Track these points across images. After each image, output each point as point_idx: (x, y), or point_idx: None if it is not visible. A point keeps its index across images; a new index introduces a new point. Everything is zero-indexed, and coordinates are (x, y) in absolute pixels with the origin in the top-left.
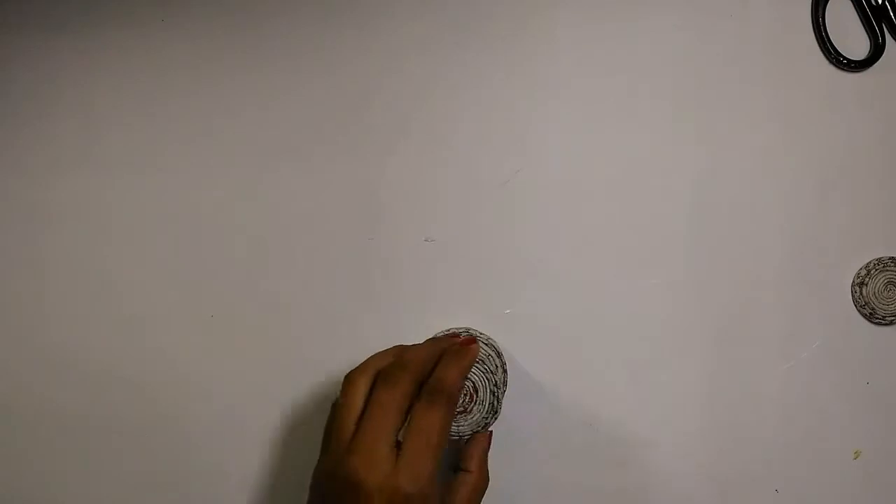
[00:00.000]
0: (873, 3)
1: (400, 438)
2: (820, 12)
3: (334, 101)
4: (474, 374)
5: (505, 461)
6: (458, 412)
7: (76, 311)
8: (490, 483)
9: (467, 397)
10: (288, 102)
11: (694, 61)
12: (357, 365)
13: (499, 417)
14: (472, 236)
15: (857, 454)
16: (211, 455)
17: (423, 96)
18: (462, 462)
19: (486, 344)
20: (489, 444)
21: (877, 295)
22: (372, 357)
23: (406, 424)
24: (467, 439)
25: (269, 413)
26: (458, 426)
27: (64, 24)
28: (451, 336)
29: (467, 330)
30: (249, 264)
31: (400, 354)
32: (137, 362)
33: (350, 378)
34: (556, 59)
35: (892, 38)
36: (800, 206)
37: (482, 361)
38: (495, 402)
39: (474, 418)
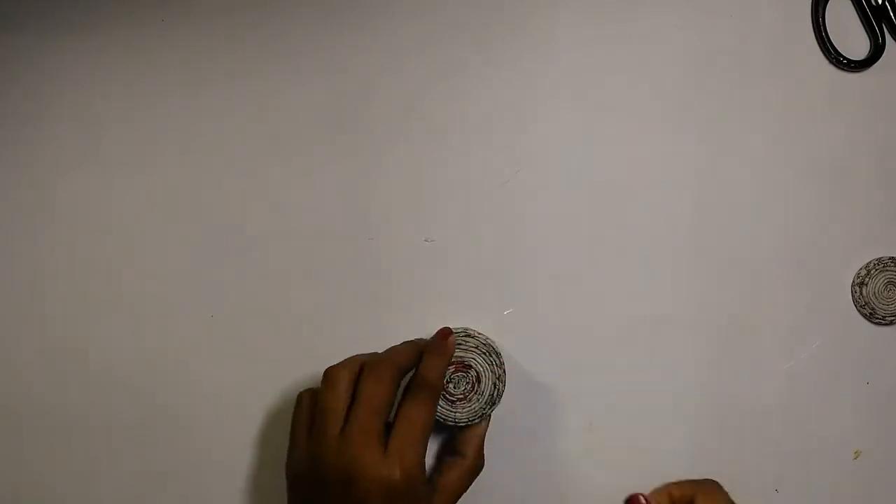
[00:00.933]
0: (873, 3)
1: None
2: (820, 12)
3: (334, 101)
4: (479, 364)
5: (505, 461)
6: (458, 399)
7: (76, 312)
8: (490, 484)
9: (469, 386)
10: (288, 102)
11: (694, 61)
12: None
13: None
14: (472, 236)
15: (857, 454)
16: (211, 455)
17: (423, 96)
18: (458, 445)
19: (484, 343)
20: (486, 428)
21: (877, 295)
22: (352, 356)
23: (394, 416)
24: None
25: (269, 413)
26: (456, 413)
27: (64, 24)
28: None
29: (465, 330)
30: (249, 264)
31: (382, 352)
32: (138, 362)
33: (333, 372)
34: (556, 59)
35: (892, 38)
36: (800, 205)
37: (487, 354)
38: (495, 395)
39: (473, 407)
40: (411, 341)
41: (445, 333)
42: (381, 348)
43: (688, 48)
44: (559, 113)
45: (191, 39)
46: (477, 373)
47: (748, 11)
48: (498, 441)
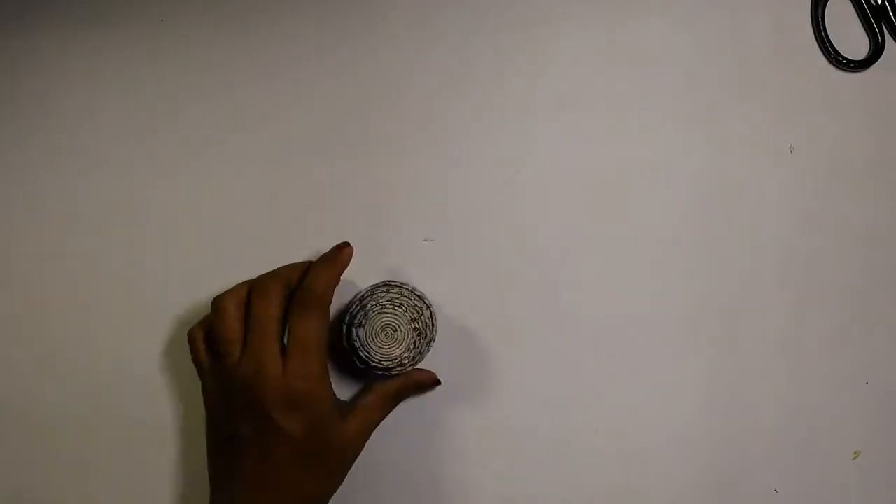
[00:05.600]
0: (873, 3)
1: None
2: (820, 12)
3: (335, 101)
4: (394, 314)
5: (505, 462)
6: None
7: (76, 311)
8: (492, 485)
9: (389, 330)
10: (288, 104)
11: (694, 62)
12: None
13: (423, 359)
14: (473, 236)
15: (856, 454)
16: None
17: (423, 97)
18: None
19: (411, 290)
20: (416, 386)
21: None
22: (240, 283)
23: (287, 333)
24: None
25: None
26: (380, 359)
27: (64, 24)
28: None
29: (385, 283)
30: (249, 265)
31: (270, 271)
32: (137, 362)
33: (221, 301)
34: (557, 59)
35: (892, 38)
36: (799, 205)
37: (401, 306)
38: (418, 341)
39: (395, 351)
40: (306, 261)
41: (342, 246)
42: None
43: (687, 48)
44: (559, 113)
45: (191, 40)
46: (393, 325)
47: (748, 11)
48: (498, 441)
